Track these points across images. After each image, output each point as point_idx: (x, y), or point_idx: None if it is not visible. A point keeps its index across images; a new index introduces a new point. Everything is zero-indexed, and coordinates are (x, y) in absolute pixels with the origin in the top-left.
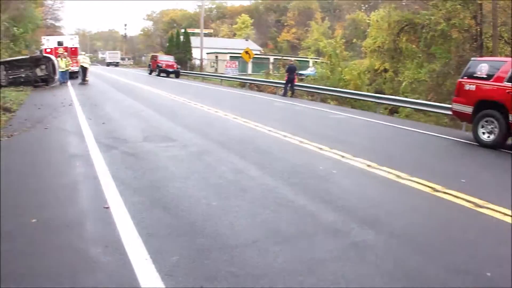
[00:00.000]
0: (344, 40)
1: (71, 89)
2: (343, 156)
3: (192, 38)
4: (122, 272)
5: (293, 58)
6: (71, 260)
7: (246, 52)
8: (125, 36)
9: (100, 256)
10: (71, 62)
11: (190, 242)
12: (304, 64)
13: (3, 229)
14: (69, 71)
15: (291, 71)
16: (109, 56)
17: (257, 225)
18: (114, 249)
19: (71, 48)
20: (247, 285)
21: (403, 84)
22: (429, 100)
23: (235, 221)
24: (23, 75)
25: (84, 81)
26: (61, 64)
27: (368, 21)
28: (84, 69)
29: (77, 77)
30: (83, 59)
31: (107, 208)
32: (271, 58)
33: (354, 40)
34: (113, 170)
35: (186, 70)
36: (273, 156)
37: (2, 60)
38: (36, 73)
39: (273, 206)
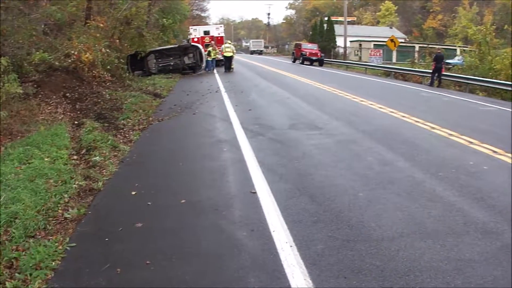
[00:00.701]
0: (494, 27)
1: (217, 76)
2: (495, 152)
3: (336, 26)
4: (266, 257)
5: (439, 46)
6: (217, 242)
7: (391, 40)
8: (268, 25)
9: (246, 240)
10: (217, 51)
11: (335, 232)
12: (451, 53)
13: (154, 208)
14: (216, 59)
15: (438, 60)
16: (252, 44)
17: (404, 219)
18: (260, 233)
19: (217, 37)
20: (391, 280)
21: None
22: None
23: (382, 213)
24: (171, 63)
25: (229, 69)
26: (209, 52)
27: None
28: (229, 58)
29: (223, 65)
30: (228, 47)
31: (254, 193)
32: (416, 47)
33: (505, 27)
34: (259, 156)
35: (330, 58)
36: (421, 148)
37: (152, 49)
38: (184, 61)
39: (421, 201)
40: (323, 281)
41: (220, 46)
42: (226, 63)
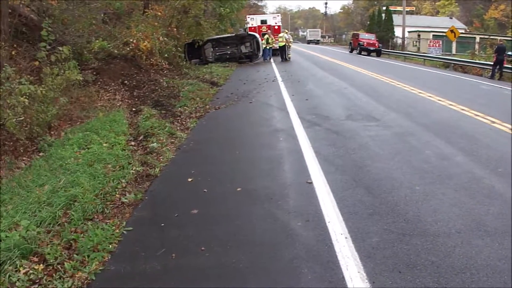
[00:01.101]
0: None
1: (273, 65)
2: None
3: (394, 16)
4: (320, 248)
5: (502, 38)
6: (272, 231)
7: (451, 31)
8: (325, 14)
9: (301, 230)
10: (274, 40)
11: (390, 225)
12: None
13: (209, 195)
14: (272, 48)
15: (500, 51)
16: (309, 34)
17: (462, 215)
18: (315, 224)
19: (274, 26)
20: (447, 277)
21: None
22: None
23: (439, 208)
24: (228, 52)
25: (285, 58)
26: (267, 41)
27: None
28: (283, 47)
29: (279, 54)
30: (281, 37)
31: (309, 183)
32: (477, 38)
33: None
34: (316, 146)
35: (387, 49)
36: (481, 143)
37: (209, 38)
38: (241, 50)
39: (479, 197)
40: (377, 274)
41: (277, 35)
42: (281, 53)
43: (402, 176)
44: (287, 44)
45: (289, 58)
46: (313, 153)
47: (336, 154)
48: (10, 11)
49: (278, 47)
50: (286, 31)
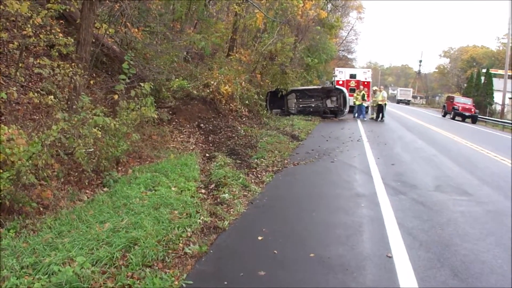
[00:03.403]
0: None
1: (359, 124)
2: None
3: (494, 80)
4: None
5: None
6: None
7: None
8: (418, 73)
9: None
10: (366, 97)
11: None
12: None
13: (280, 257)
14: (363, 105)
15: None
16: (400, 93)
17: None
18: None
19: (363, 82)
20: None
21: None
22: None
23: None
24: (312, 105)
25: (379, 118)
26: (362, 97)
27: None
28: (381, 106)
29: (367, 112)
30: (383, 95)
31: (389, 257)
32: None
33: None
34: (399, 217)
35: (484, 116)
36: None
37: (294, 88)
38: (326, 104)
39: None
40: None
41: (367, 92)
42: (378, 112)
43: (494, 260)
44: (384, 102)
45: (383, 119)
46: (396, 224)
47: (421, 228)
48: (93, 40)
49: (373, 105)
50: (382, 87)
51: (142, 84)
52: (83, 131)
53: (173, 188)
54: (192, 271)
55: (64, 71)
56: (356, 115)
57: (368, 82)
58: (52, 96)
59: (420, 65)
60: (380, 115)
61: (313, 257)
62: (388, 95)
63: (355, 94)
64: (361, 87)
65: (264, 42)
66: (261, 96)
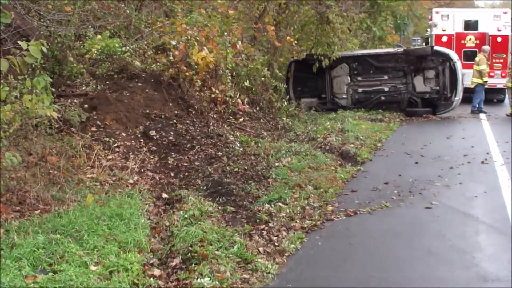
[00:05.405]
0: None
1: (486, 125)
2: None
3: None
4: None
5: None
6: None
7: None
8: None
9: None
10: (488, 70)
11: None
12: None
13: None
14: (486, 86)
15: None
16: None
17: None
18: None
19: (495, 36)
20: None
21: None
22: None
23: None
24: (385, 89)
25: None
26: (477, 70)
27: None
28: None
29: (501, 99)
30: None
31: None
32: None
33: None
34: None
35: None
36: None
37: (346, 53)
38: (413, 86)
39: None
40: None
41: (501, 58)
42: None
43: None
44: None
45: None
46: None
47: None
48: None
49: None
50: None
51: (23, 43)
52: None
53: (92, 267)
54: None
55: None
56: (477, 106)
57: (506, 37)
58: None
59: None
60: None
61: None
62: None
63: (475, 65)
64: (486, 49)
65: None
66: (277, 71)
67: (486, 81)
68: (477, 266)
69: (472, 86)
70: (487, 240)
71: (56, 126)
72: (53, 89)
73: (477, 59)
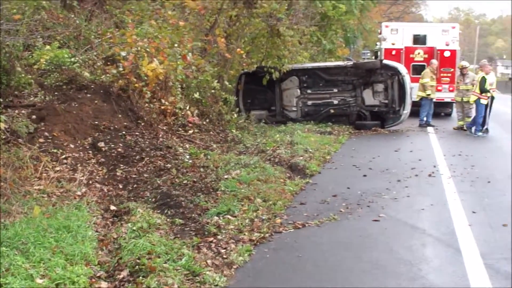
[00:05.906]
0: None
1: (433, 138)
2: None
3: None
4: None
5: None
6: None
7: None
8: None
9: None
10: (431, 83)
11: None
12: None
13: None
14: (434, 100)
15: None
16: None
17: None
18: None
19: (443, 50)
20: None
21: None
22: None
23: None
24: (334, 101)
25: (480, 130)
26: (421, 84)
27: None
28: (485, 106)
29: (448, 112)
30: (479, 78)
31: None
32: None
33: None
34: None
35: None
36: None
37: (296, 66)
38: (362, 99)
39: None
40: None
41: (448, 73)
42: (484, 115)
43: None
44: (491, 95)
45: (487, 129)
46: None
47: None
48: None
49: (478, 102)
50: (485, 61)
51: None
52: None
53: (39, 280)
54: None
55: None
56: (425, 119)
57: (453, 52)
58: None
59: None
60: (486, 120)
61: None
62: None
63: (422, 78)
64: (434, 62)
65: None
66: (226, 83)
67: (429, 94)
68: (423, 278)
69: (417, 99)
70: (433, 253)
71: (3, 137)
72: (0, 100)
73: (422, 72)
